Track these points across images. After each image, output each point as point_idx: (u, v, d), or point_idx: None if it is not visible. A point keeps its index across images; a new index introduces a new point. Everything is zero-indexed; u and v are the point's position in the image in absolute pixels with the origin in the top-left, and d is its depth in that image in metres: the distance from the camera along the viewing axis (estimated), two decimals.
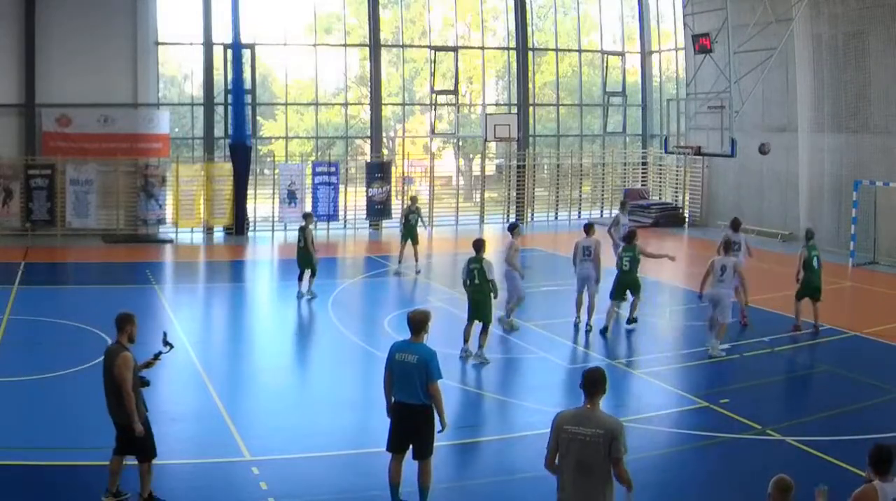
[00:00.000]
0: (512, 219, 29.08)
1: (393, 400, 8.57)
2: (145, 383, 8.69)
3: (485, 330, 13.82)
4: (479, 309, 13.76)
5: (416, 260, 21.70)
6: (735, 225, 17.17)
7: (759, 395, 12.43)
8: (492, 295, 13.74)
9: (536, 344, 15.08)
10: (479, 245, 13.93)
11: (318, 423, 11.25)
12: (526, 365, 14.30)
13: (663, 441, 10.83)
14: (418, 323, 8.48)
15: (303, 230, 18.55)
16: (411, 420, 8.41)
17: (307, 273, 18.45)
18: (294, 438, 10.58)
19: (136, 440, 8.43)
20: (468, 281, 13.84)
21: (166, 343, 8.87)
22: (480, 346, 13.77)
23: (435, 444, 8.56)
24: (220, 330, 17.15)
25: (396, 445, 8.57)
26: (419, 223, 22.07)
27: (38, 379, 12.38)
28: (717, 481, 9.68)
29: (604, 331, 15.50)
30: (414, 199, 22.72)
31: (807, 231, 16.57)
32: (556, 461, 6.51)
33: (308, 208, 28.17)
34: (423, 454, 8.45)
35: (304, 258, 18.40)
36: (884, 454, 6.14)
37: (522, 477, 9.48)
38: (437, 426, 8.46)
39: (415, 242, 21.67)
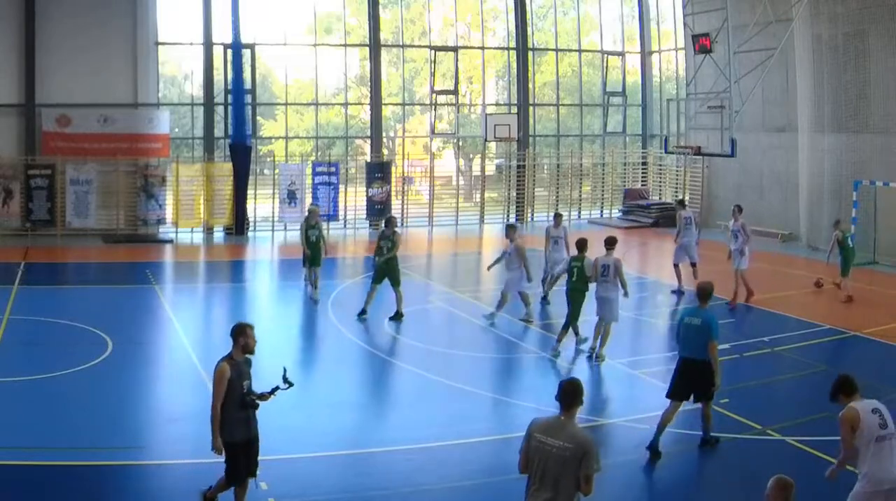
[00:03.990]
0: (511, 219, 29.05)
1: (680, 356, 10.22)
2: (254, 404, 8.00)
3: (565, 327, 14.41)
4: (571, 306, 14.37)
5: (315, 287, 18.26)
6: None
7: (759, 395, 12.43)
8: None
9: (536, 344, 15.08)
10: (582, 244, 14.34)
11: (318, 423, 11.25)
12: (526, 365, 14.30)
13: (663, 441, 10.80)
14: (707, 292, 10.41)
15: (391, 237, 17.06)
16: (695, 373, 10.03)
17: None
18: (294, 438, 10.57)
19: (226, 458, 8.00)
20: (567, 278, 14.43)
21: (286, 379, 8.01)
22: (559, 341, 14.30)
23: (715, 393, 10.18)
24: (220, 330, 17.08)
25: (677, 394, 10.22)
26: (322, 240, 18.44)
27: (38, 379, 12.37)
28: (717, 481, 9.68)
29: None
30: (312, 212, 19.14)
31: (836, 221, 19.35)
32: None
33: (308, 208, 28.17)
34: (707, 396, 10.10)
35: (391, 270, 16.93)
36: (846, 380, 7.28)
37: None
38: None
39: (315, 264, 18.19)
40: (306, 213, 19.94)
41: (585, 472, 6.13)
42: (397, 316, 16.42)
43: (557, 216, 18.81)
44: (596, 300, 14.22)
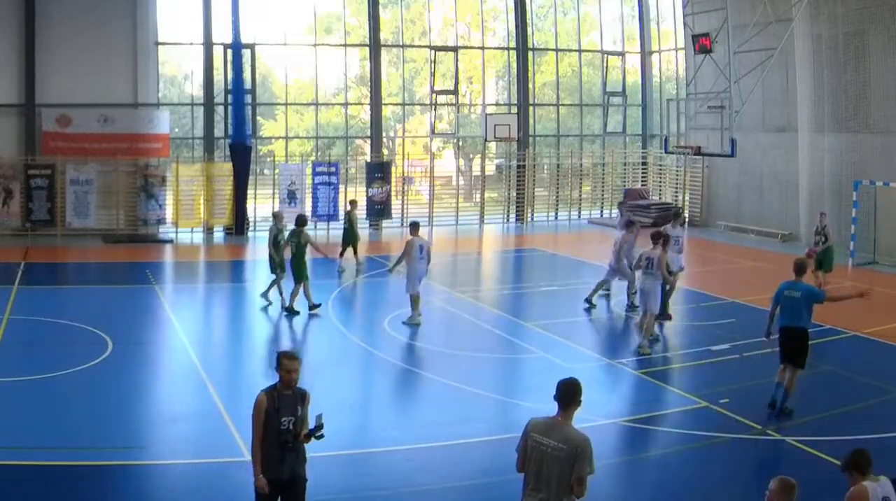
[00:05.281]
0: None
1: (779, 325, 11.41)
2: (288, 444, 7.03)
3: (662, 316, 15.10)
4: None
5: (300, 295, 17.02)
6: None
7: (759, 395, 12.41)
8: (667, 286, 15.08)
9: (536, 344, 15.08)
10: (656, 238, 14.90)
11: None
12: (526, 365, 14.30)
13: (663, 441, 10.83)
14: (803, 267, 11.66)
15: (298, 235, 17.10)
16: (791, 339, 11.28)
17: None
18: None
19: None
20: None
21: (319, 426, 7.00)
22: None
23: (807, 359, 11.39)
24: (220, 330, 17.15)
25: (784, 358, 11.44)
26: (285, 244, 17.40)
27: (38, 379, 12.37)
28: (717, 481, 9.67)
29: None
30: (278, 217, 18.08)
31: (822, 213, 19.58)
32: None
33: (308, 208, 28.21)
34: (798, 365, 11.30)
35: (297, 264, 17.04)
36: (860, 456, 6.32)
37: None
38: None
39: (284, 270, 17.37)
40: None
41: (578, 474, 6.08)
42: (291, 311, 16.87)
43: (631, 224, 17.93)
44: (639, 292, 14.80)
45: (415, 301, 16.16)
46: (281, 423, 6.94)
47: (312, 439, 7.08)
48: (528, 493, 6.30)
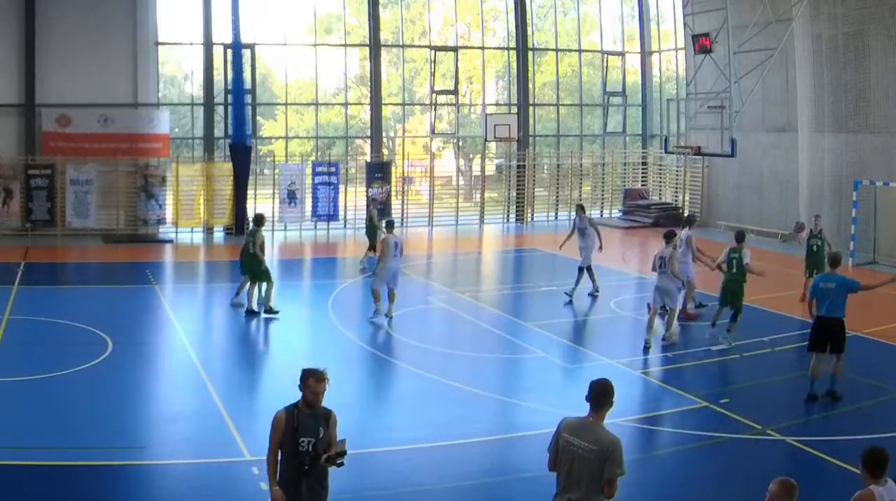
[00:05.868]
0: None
1: (817, 315, 11.84)
2: (303, 468, 6.52)
3: (734, 318, 14.65)
4: (731, 296, 14.76)
5: (268, 301, 16.73)
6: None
7: (759, 395, 12.44)
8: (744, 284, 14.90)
9: (536, 344, 15.08)
10: (741, 236, 15.19)
11: None
12: (526, 365, 14.31)
13: (663, 441, 10.83)
14: (838, 259, 12.29)
15: (253, 234, 16.91)
16: (829, 329, 11.73)
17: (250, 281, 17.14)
18: None
19: None
20: (725, 269, 14.86)
21: (341, 452, 6.64)
22: (729, 330, 14.59)
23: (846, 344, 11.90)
24: (220, 331, 17.14)
25: (818, 347, 11.89)
26: (256, 250, 16.62)
27: (38, 379, 12.37)
28: (717, 481, 9.68)
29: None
30: (259, 219, 17.24)
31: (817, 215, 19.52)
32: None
33: (308, 208, 28.21)
34: (839, 350, 11.81)
35: (249, 264, 16.90)
36: (877, 456, 6.14)
37: (522, 477, 9.48)
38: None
39: (265, 280, 16.81)
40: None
41: (608, 476, 6.07)
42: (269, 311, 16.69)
43: (672, 235, 15.31)
44: (655, 290, 14.90)
45: (376, 296, 16.27)
46: (299, 444, 6.47)
47: (334, 465, 6.59)
48: (560, 493, 6.31)
